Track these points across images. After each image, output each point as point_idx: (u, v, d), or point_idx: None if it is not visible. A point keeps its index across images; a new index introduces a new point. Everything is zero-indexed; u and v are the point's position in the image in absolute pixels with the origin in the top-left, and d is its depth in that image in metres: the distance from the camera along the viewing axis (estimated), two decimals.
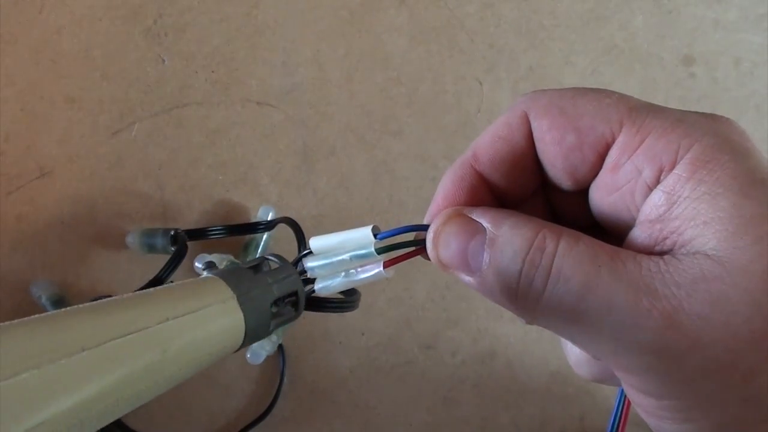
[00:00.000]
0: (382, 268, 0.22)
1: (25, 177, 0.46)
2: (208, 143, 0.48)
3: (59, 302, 0.44)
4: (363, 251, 0.22)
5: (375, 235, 0.22)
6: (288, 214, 0.45)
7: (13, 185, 0.46)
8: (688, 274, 0.17)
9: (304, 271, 0.24)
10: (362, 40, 0.50)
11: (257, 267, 0.32)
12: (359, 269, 0.23)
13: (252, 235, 0.46)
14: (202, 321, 0.27)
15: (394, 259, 0.22)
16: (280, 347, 0.47)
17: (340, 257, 0.23)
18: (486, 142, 0.22)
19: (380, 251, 0.22)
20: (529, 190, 0.23)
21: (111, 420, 0.24)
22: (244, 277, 0.30)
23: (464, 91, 0.50)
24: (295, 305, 0.33)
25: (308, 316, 0.48)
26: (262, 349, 0.44)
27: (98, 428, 0.23)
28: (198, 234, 0.43)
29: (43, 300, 0.44)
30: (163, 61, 0.48)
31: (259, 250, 0.46)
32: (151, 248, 0.45)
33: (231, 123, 0.48)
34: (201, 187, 0.48)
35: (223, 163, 0.48)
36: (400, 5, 0.50)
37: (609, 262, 0.18)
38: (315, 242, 0.23)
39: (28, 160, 0.46)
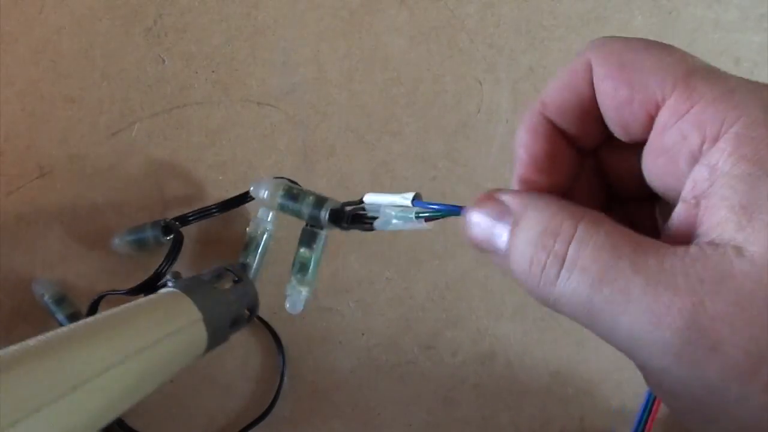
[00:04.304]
0: (424, 223, 0.26)
1: (25, 177, 0.46)
2: (208, 143, 0.48)
3: (61, 300, 0.44)
4: (406, 215, 0.26)
5: (414, 202, 0.26)
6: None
7: (13, 185, 0.46)
8: (715, 270, 0.16)
9: (357, 206, 0.29)
10: (362, 40, 0.50)
11: (218, 276, 0.34)
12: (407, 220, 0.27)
13: (253, 235, 0.46)
14: (174, 345, 0.29)
15: (432, 217, 0.26)
16: (281, 347, 0.47)
17: (388, 211, 0.27)
18: (553, 91, 0.22)
19: (418, 216, 0.26)
20: (598, 137, 0.23)
21: None
22: (208, 293, 0.32)
23: (464, 91, 0.50)
24: (250, 314, 0.36)
25: (308, 316, 0.48)
26: (299, 297, 0.43)
27: None
28: (187, 219, 0.43)
29: (46, 298, 0.44)
30: (163, 61, 0.48)
31: (260, 250, 0.46)
32: (142, 244, 0.44)
33: (231, 123, 0.48)
34: (201, 187, 0.48)
35: (223, 163, 0.48)
36: (400, 5, 0.50)
37: (630, 254, 0.17)
38: (367, 198, 0.28)
39: (28, 160, 0.46)
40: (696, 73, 0.19)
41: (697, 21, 0.53)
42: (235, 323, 0.34)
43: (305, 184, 0.44)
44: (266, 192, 0.40)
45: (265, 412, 0.46)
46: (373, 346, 0.48)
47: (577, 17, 0.52)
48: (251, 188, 0.41)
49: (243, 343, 0.47)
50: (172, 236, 0.43)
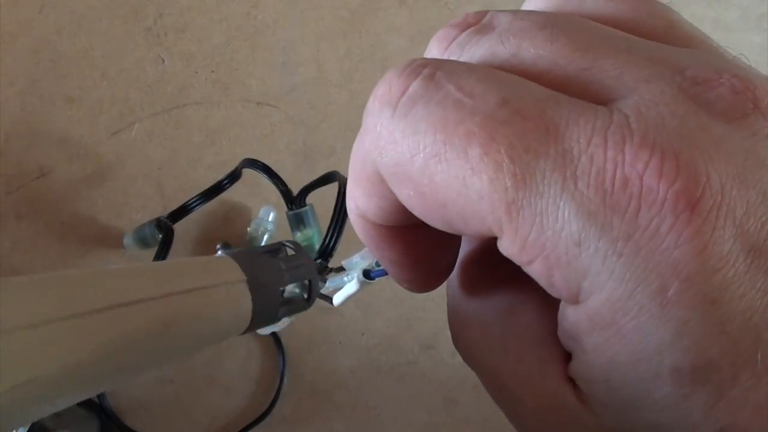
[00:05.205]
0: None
1: (25, 177, 0.46)
2: (208, 143, 0.48)
3: None
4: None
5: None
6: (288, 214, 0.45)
7: (13, 185, 0.46)
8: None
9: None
10: (362, 40, 0.50)
11: (273, 252, 0.31)
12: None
13: (253, 235, 0.46)
14: (207, 300, 0.27)
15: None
16: (280, 347, 0.47)
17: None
18: (362, 201, 0.18)
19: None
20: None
21: (105, 388, 0.23)
22: (257, 260, 0.30)
23: None
24: (308, 295, 0.32)
25: (308, 317, 0.47)
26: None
27: (91, 394, 0.23)
28: (180, 213, 0.43)
29: None
30: (163, 61, 0.48)
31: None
32: (144, 242, 0.44)
33: (231, 123, 0.48)
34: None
35: (223, 163, 0.48)
36: (400, 5, 0.50)
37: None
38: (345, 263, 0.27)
39: (28, 160, 0.46)
40: (520, 209, 0.12)
41: (697, 20, 0.53)
42: (291, 302, 0.32)
43: (305, 184, 0.44)
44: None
45: (265, 412, 0.46)
46: (373, 346, 0.48)
47: None
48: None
49: (243, 344, 0.47)
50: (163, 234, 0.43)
